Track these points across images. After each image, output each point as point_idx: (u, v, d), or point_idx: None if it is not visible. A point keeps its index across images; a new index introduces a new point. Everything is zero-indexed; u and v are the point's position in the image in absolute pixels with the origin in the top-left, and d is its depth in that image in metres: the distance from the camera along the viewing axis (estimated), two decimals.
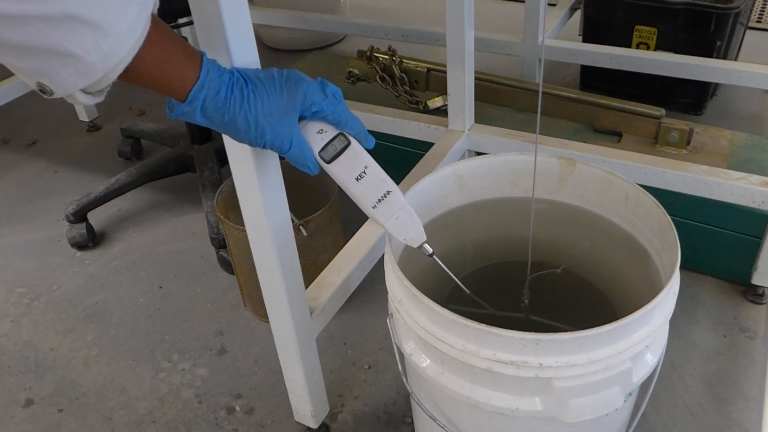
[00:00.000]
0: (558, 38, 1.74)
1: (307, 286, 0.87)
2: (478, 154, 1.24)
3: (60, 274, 1.37)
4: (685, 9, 1.53)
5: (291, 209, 0.79)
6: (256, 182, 0.70)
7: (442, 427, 0.75)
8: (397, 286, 0.70)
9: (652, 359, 0.69)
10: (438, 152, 1.20)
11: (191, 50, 0.56)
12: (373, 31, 1.86)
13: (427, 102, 1.41)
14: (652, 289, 0.66)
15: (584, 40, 1.74)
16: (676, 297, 0.68)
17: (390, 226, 0.71)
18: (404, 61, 1.44)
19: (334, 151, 0.67)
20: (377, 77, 1.44)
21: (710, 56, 1.55)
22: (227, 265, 1.31)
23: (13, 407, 1.09)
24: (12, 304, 1.30)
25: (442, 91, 1.32)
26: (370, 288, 1.23)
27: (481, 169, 0.88)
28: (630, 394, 0.69)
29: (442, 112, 1.37)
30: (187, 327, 1.21)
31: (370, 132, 0.69)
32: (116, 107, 1.99)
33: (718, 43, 1.54)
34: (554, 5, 1.96)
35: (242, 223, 0.78)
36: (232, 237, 1.12)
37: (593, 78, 1.79)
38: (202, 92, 0.56)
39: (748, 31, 1.74)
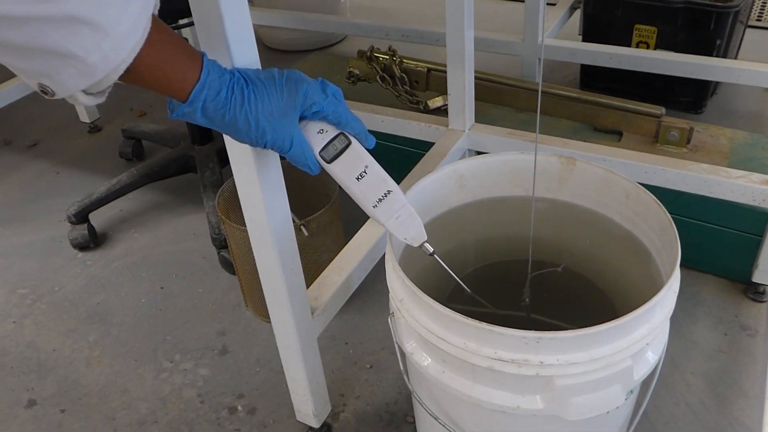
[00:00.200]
0: (558, 38, 1.74)
1: (308, 285, 0.87)
2: (479, 153, 1.24)
3: (62, 275, 1.37)
4: (685, 8, 1.53)
5: (292, 209, 0.79)
6: (257, 182, 0.70)
7: (444, 426, 0.75)
8: (398, 285, 0.71)
9: (653, 357, 0.69)
10: (438, 152, 1.20)
11: (192, 51, 0.57)
12: (373, 31, 1.86)
13: (428, 102, 1.41)
14: (653, 288, 0.66)
15: (584, 40, 1.74)
16: (676, 295, 0.68)
17: (391, 226, 0.71)
18: (404, 61, 1.44)
19: (335, 151, 0.67)
20: (377, 77, 1.44)
21: (710, 55, 1.55)
22: (228, 266, 1.31)
23: (16, 408, 1.09)
24: (14, 305, 1.31)
25: (443, 90, 1.32)
26: (371, 287, 1.23)
27: (482, 168, 0.88)
28: (631, 392, 0.69)
29: (442, 111, 1.37)
30: (189, 327, 1.21)
31: (371, 132, 0.69)
32: (117, 108, 1.99)
33: (718, 42, 1.54)
34: (554, 5, 1.96)
35: (243, 224, 0.78)
36: (233, 237, 1.13)
37: (593, 77, 1.79)
38: (202, 93, 0.56)
39: (748, 30, 1.74)
